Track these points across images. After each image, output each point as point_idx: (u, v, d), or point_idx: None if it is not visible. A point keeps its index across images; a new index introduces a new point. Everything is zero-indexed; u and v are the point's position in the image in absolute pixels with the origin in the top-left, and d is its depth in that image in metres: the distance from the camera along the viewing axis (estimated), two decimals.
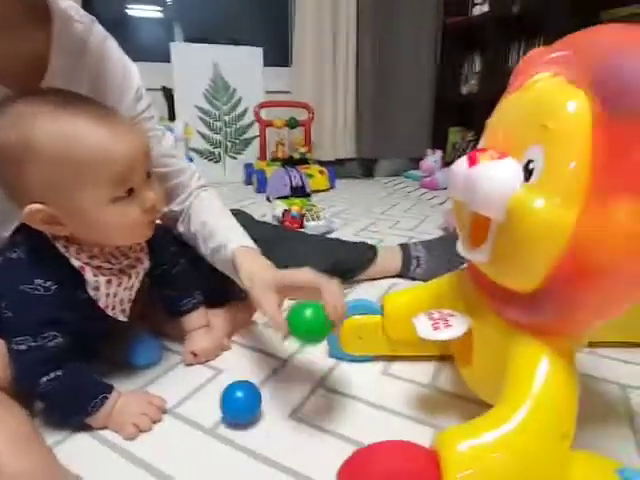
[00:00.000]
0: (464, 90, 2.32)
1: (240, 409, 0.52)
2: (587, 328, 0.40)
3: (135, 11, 2.17)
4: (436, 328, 0.46)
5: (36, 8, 0.52)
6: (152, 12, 2.20)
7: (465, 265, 0.53)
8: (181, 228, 0.71)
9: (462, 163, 0.42)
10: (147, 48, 2.13)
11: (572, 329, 0.40)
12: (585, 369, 0.62)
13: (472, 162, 0.41)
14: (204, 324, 0.66)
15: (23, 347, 0.47)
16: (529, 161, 0.36)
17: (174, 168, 0.69)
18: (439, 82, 2.33)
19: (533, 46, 1.92)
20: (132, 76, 0.63)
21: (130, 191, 0.47)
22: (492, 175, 0.38)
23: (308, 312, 0.48)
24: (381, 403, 0.56)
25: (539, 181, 0.35)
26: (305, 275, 0.52)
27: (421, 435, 0.50)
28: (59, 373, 0.48)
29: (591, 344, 0.67)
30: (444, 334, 0.46)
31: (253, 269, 0.58)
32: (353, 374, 0.62)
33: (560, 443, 0.35)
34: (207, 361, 0.64)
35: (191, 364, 0.63)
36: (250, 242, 0.65)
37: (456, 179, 0.43)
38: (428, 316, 0.49)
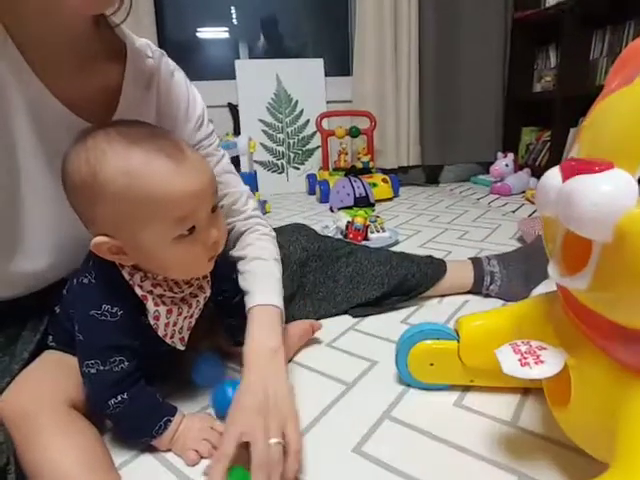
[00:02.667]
0: (538, 88, 2.16)
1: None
2: None
3: (204, 33, 2.27)
4: (524, 364, 0.40)
5: (113, 46, 0.54)
6: (220, 33, 2.29)
7: (551, 287, 0.47)
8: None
9: (554, 175, 0.37)
10: (215, 67, 2.22)
11: None
12: None
13: (568, 174, 0.35)
14: None
15: (93, 370, 0.48)
16: None
17: (222, 192, 0.67)
18: (510, 81, 2.19)
19: (620, 35, 1.74)
20: (196, 106, 0.65)
21: (192, 228, 0.47)
22: (596, 189, 0.32)
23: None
24: (454, 440, 0.51)
25: None
26: (227, 431, 0.47)
27: None
28: (125, 396, 0.48)
29: None
30: (535, 372, 0.39)
31: (249, 353, 0.54)
32: (424, 404, 0.57)
33: None
34: None
35: None
36: (277, 300, 0.60)
37: (547, 193, 0.37)
38: (514, 348, 0.43)
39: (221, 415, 0.54)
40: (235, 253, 0.67)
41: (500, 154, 2.00)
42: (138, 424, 0.50)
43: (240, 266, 0.65)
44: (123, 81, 0.55)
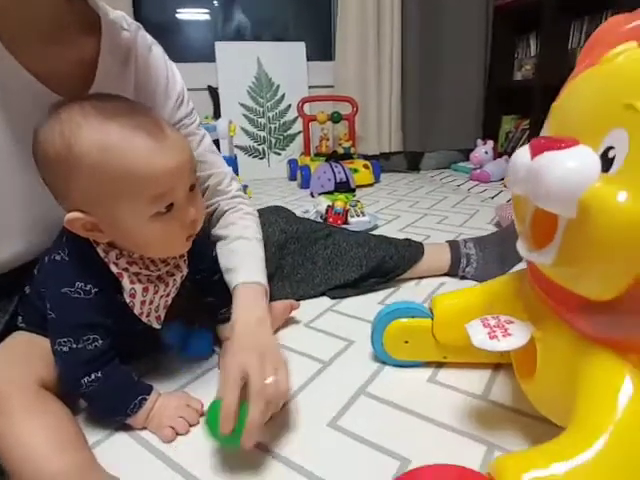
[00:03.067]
0: (518, 76, 2.18)
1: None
2: None
3: (183, 14, 2.21)
4: (493, 337, 0.42)
5: (86, 18, 0.53)
6: (200, 14, 2.24)
7: (523, 265, 0.48)
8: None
9: (524, 153, 0.37)
10: (194, 49, 2.17)
11: None
12: None
13: (536, 151, 0.36)
14: None
15: (65, 348, 0.47)
16: (608, 148, 0.31)
17: (205, 173, 0.68)
18: (490, 69, 2.20)
19: (597, 25, 1.76)
20: (176, 82, 0.64)
21: (170, 206, 0.46)
22: (562, 164, 0.33)
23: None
24: (428, 414, 0.52)
25: (621, 171, 0.30)
26: (225, 373, 0.47)
27: (473, 453, 0.46)
28: (99, 374, 0.48)
29: None
30: (503, 344, 0.41)
31: (237, 322, 0.54)
32: (398, 380, 0.59)
33: None
34: None
35: None
36: (261, 278, 0.61)
37: (516, 171, 0.38)
38: (483, 323, 0.44)
39: (189, 354, 0.61)
40: (218, 231, 0.67)
41: (480, 141, 2.02)
42: (112, 403, 0.50)
43: (223, 244, 0.65)
44: (99, 54, 0.53)
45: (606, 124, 0.32)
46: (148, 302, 0.52)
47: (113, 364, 0.50)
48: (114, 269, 0.49)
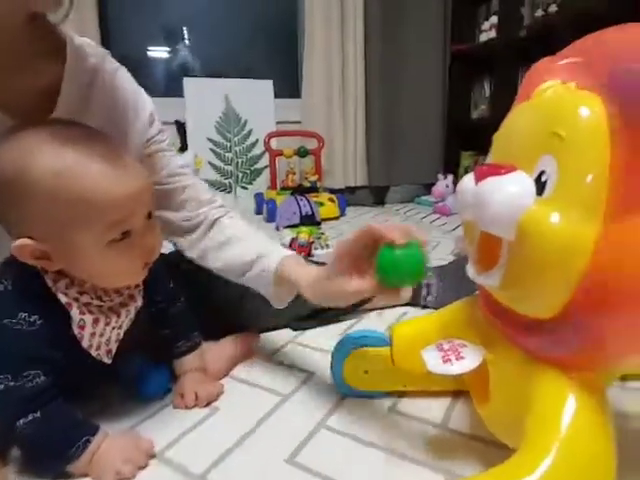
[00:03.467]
0: (475, 115, 2.31)
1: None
2: (619, 361, 0.36)
3: (153, 52, 2.25)
4: (446, 361, 0.42)
5: (51, 44, 0.52)
6: (167, 52, 2.28)
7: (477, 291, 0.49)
8: (192, 242, 0.68)
9: (469, 180, 0.39)
10: (164, 85, 2.19)
11: (601, 362, 0.35)
12: (616, 405, 0.56)
13: (479, 177, 0.37)
14: (197, 367, 0.61)
15: (1, 387, 0.43)
16: (541, 173, 0.33)
17: (181, 184, 0.67)
18: (449, 108, 2.33)
19: None
20: (145, 102, 0.64)
21: (127, 233, 0.45)
22: (501, 189, 0.34)
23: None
24: (389, 445, 0.51)
25: (553, 195, 0.32)
26: (356, 234, 0.48)
27: None
28: (37, 414, 0.44)
29: (622, 377, 0.61)
30: (455, 367, 0.41)
31: (311, 273, 0.55)
32: (359, 412, 0.57)
33: None
34: (195, 406, 0.58)
35: (178, 407, 0.59)
36: (291, 252, 0.63)
37: (464, 197, 0.40)
38: (438, 348, 0.44)
39: (143, 393, 0.59)
40: (220, 236, 0.66)
41: (441, 176, 2.10)
42: (51, 447, 0.46)
43: (235, 241, 0.65)
44: (62, 80, 0.52)
45: (537, 151, 0.34)
46: (98, 334, 0.49)
47: (55, 403, 0.46)
48: (63, 299, 0.46)
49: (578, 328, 0.32)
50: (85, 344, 0.49)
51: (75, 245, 0.43)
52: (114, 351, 0.53)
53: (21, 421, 0.43)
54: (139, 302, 0.54)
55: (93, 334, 0.49)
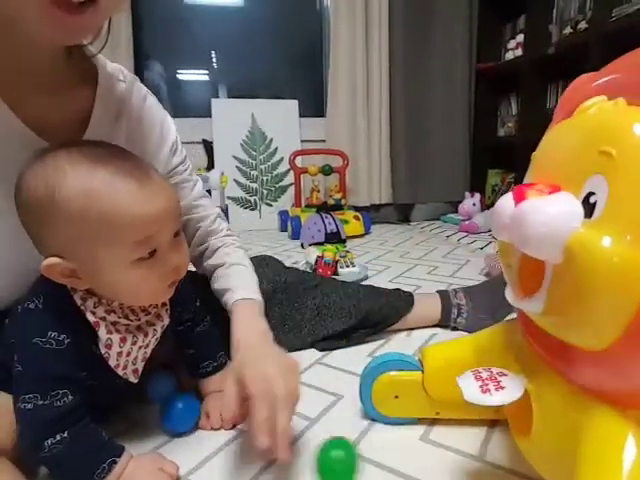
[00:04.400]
0: (501, 132, 2.28)
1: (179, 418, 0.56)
2: None
3: (184, 75, 2.33)
4: (485, 391, 0.40)
5: (84, 70, 0.55)
6: (197, 75, 2.36)
7: (514, 315, 0.47)
8: (201, 264, 0.72)
9: (507, 200, 0.37)
10: (193, 106, 2.26)
11: None
12: None
13: (519, 198, 0.36)
14: (219, 389, 0.61)
15: (29, 406, 0.43)
16: (589, 194, 0.31)
17: (200, 215, 0.71)
18: (475, 126, 2.31)
19: None
20: (169, 130, 0.66)
21: (154, 252, 0.45)
22: (544, 210, 0.32)
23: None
24: (420, 477, 0.48)
25: (604, 216, 0.30)
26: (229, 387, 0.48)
27: None
28: (65, 435, 0.44)
29: None
30: (495, 398, 0.39)
31: (240, 339, 0.56)
32: (388, 440, 0.55)
33: None
34: (221, 428, 0.58)
35: (204, 428, 0.58)
36: (257, 296, 0.64)
37: (501, 218, 0.38)
38: (475, 375, 0.42)
39: (170, 429, 0.56)
40: (213, 262, 0.70)
41: (467, 194, 2.07)
42: (78, 467, 0.45)
43: (219, 271, 0.68)
44: (93, 105, 0.54)
45: (585, 171, 0.32)
46: (125, 354, 0.49)
47: (82, 423, 0.46)
48: (91, 318, 0.46)
49: (635, 360, 0.30)
50: (112, 363, 0.48)
51: (102, 263, 0.44)
52: (141, 370, 0.53)
53: (49, 441, 0.43)
54: (166, 321, 0.54)
55: (120, 353, 0.49)
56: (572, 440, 0.33)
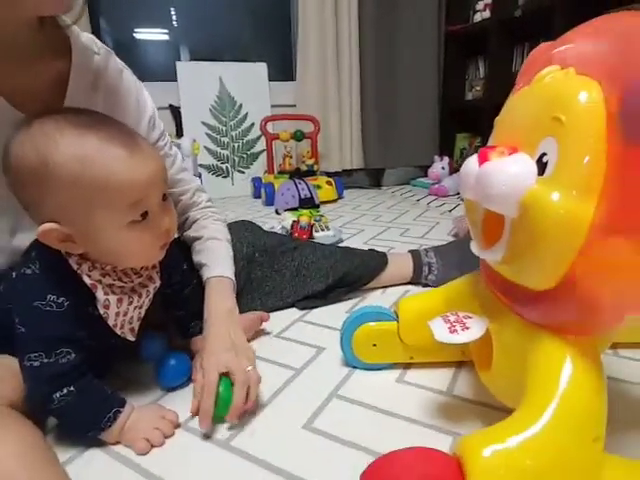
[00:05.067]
0: (469, 96, 2.32)
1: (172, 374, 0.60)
2: (611, 327, 0.39)
3: (143, 34, 2.22)
4: (453, 331, 0.45)
5: (58, 40, 0.54)
6: (159, 35, 2.25)
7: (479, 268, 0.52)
8: (181, 235, 0.76)
9: (472, 162, 0.42)
10: (155, 68, 2.18)
11: (595, 329, 0.39)
12: (608, 371, 0.60)
13: (483, 159, 0.40)
14: None
15: (36, 363, 0.46)
16: (542, 154, 0.36)
17: (178, 190, 0.74)
18: (444, 89, 2.34)
19: None
20: (146, 105, 0.66)
21: (145, 214, 0.47)
22: (505, 170, 0.37)
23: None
24: (398, 411, 0.55)
25: (554, 174, 0.34)
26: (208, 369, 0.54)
27: (441, 443, 0.49)
28: (71, 389, 0.47)
29: (613, 345, 0.65)
30: (461, 337, 0.44)
31: (210, 313, 0.62)
32: (368, 383, 0.61)
33: (592, 446, 0.34)
34: None
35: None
36: (230, 273, 0.70)
37: (467, 178, 0.42)
38: (444, 319, 0.48)
39: (164, 385, 0.61)
40: (191, 234, 0.74)
41: (437, 158, 2.12)
42: (85, 417, 0.49)
43: (197, 245, 0.73)
44: (69, 76, 0.54)
45: (539, 134, 0.36)
46: (122, 314, 0.52)
47: (86, 378, 0.49)
48: (87, 280, 0.49)
49: (573, 297, 0.35)
50: (111, 322, 0.51)
51: (97, 227, 0.46)
52: (137, 329, 0.56)
53: (57, 394, 0.47)
54: (157, 282, 0.57)
55: (117, 313, 0.52)
56: (525, 367, 0.39)
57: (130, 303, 0.53)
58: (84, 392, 0.49)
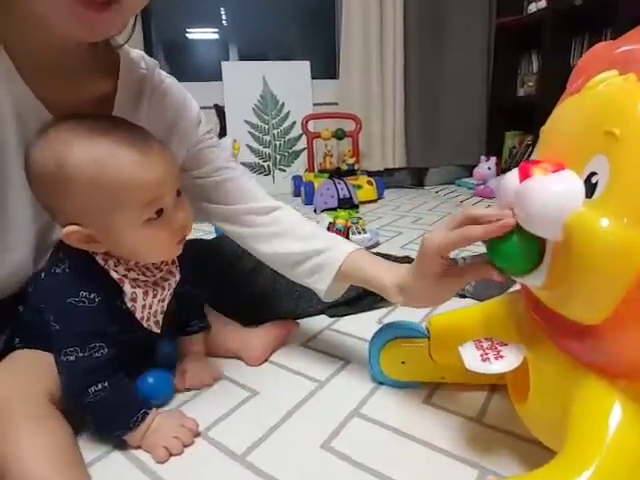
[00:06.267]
0: (521, 92, 2.20)
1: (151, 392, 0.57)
2: None
3: (192, 34, 2.27)
4: (485, 359, 0.42)
5: (107, 59, 0.55)
6: (208, 34, 2.30)
7: (519, 286, 0.48)
8: (240, 233, 0.68)
9: (513, 176, 0.38)
10: (205, 68, 2.22)
11: None
12: None
13: (524, 175, 0.36)
14: (201, 349, 0.66)
15: (72, 358, 0.48)
16: (591, 174, 0.31)
17: (227, 176, 0.68)
18: (493, 85, 2.22)
19: (599, 41, 1.77)
20: (192, 107, 0.66)
21: (160, 211, 0.49)
22: (547, 189, 0.33)
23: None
24: (421, 437, 0.52)
25: (604, 197, 0.30)
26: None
27: (465, 477, 0.45)
28: (106, 384, 0.49)
29: None
30: (494, 366, 0.41)
31: (398, 273, 0.54)
32: (393, 402, 0.58)
33: None
34: (202, 386, 0.62)
35: (179, 387, 0.61)
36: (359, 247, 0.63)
37: (506, 194, 0.39)
38: (477, 345, 0.44)
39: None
40: (273, 228, 0.67)
41: (483, 157, 2.03)
42: (116, 415, 0.50)
43: (283, 237, 0.66)
44: (116, 92, 0.56)
45: (589, 150, 0.32)
46: (148, 306, 0.54)
47: (119, 375, 0.51)
48: (115, 275, 0.50)
49: (625, 335, 0.31)
50: (138, 315, 0.53)
51: (116, 227, 0.47)
52: (161, 322, 0.57)
53: (92, 388, 0.48)
54: (177, 276, 0.58)
55: (144, 306, 0.53)
56: (564, 406, 0.35)
57: (154, 296, 0.54)
58: (116, 389, 0.50)
